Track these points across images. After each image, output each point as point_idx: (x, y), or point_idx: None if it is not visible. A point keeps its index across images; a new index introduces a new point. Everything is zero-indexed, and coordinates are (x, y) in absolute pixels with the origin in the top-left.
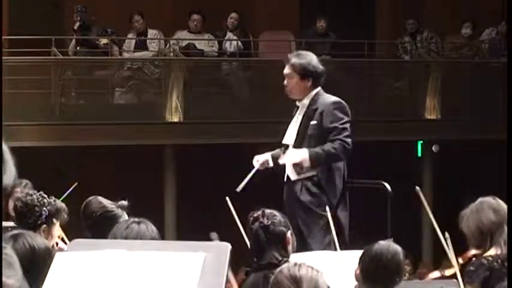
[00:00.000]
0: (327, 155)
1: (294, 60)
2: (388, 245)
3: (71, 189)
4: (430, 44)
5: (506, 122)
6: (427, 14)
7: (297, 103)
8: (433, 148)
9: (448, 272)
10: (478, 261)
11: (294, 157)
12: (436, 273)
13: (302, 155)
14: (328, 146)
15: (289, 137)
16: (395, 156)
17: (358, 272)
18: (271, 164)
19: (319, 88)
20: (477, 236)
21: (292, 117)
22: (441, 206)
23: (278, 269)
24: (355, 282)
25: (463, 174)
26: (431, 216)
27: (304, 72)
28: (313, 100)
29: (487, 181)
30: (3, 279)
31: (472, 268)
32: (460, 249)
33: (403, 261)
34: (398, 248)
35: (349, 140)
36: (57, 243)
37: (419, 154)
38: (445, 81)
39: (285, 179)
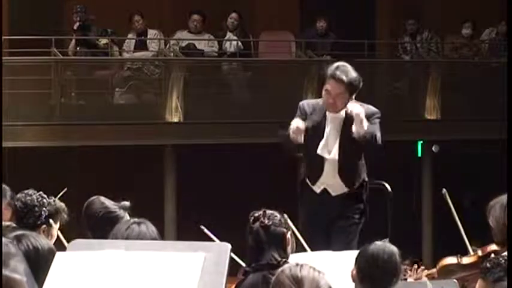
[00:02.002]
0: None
1: (347, 80)
2: (384, 246)
3: (60, 194)
4: (430, 44)
5: (506, 122)
6: (427, 14)
7: (328, 114)
8: (433, 148)
9: (465, 260)
10: (496, 259)
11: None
12: (452, 259)
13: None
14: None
15: (328, 150)
16: (395, 156)
17: (354, 272)
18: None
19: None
20: (503, 233)
21: (316, 122)
22: (441, 206)
23: (280, 269)
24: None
25: (463, 174)
26: (456, 218)
27: (354, 91)
28: (349, 108)
29: (487, 181)
30: (11, 274)
31: (488, 265)
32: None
33: (400, 261)
34: (394, 249)
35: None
36: None
37: (419, 154)
38: (445, 81)
39: (320, 191)
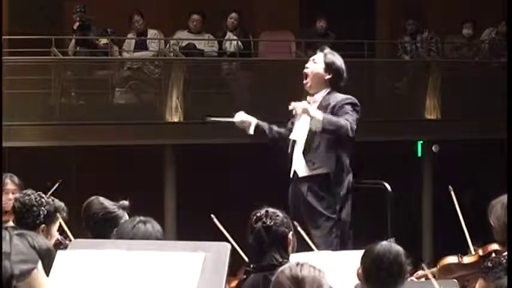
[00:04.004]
0: (336, 122)
1: (327, 51)
2: (390, 246)
3: (55, 187)
4: (430, 44)
5: (506, 122)
6: (427, 14)
7: (308, 99)
8: (433, 148)
9: (466, 260)
10: (497, 259)
11: (311, 109)
12: (453, 258)
13: (317, 112)
14: (339, 118)
15: (299, 133)
16: (395, 156)
17: (360, 271)
18: (250, 131)
19: (332, 89)
20: (504, 232)
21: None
22: (441, 206)
23: (280, 269)
24: (355, 282)
25: (463, 174)
26: (460, 215)
27: (330, 66)
28: (326, 97)
29: (487, 181)
30: (22, 266)
31: (489, 264)
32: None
33: (406, 262)
34: (400, 249)
35: (354, 126)
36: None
37: (419, 154)
38: (445, 81)
39: (292, 175)
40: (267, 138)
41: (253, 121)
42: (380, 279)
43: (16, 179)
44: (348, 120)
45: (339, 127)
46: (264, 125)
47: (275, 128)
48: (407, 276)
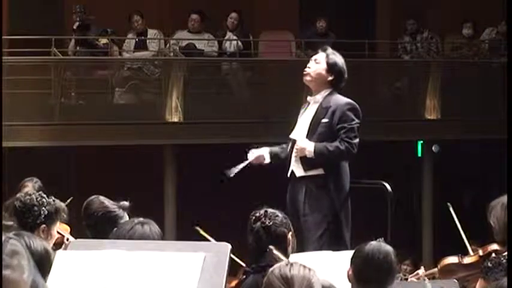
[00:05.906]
0: (330, 153)
1: (329, 52)
2: (379, 246)
3: (66, 202)
4: (430, 44)
5: (506, 122)
6: (427, 14)
7: (309, 98)
8: (433, 148)
9: (466, 260)
10: (497, 259)
11: (300, 142)
12: (454, 259)
13: (308, 144)
14: (334, 145)
15: (298, 132)
16: (395, 156)
17: (350, 272)
18: (267, 161)
19: (333, 90)
20: (504, 232)
21: (299, 112)
22: (441, 206)
23: (270, 269)
24: None
25: (463, 174)
26: (461, 231)
27: (332, 67)
28: (327, 98)
29: (487, 181)
30: (8, 273)
31: (489, 264)
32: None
33: (396, 261)
34: (389, 248)
35: (355, 142)
36: (67, 239)
37: (419, 154)
38: (445, 81)
39: (289, 175)
40: (282, 160)
41: (265, 152)
42: (371, 279)
43: (37, 185)
44: (346, 141)
45: (334, 155)
46: (276, 149)
47: (284, 146)
48: (398, 276)
